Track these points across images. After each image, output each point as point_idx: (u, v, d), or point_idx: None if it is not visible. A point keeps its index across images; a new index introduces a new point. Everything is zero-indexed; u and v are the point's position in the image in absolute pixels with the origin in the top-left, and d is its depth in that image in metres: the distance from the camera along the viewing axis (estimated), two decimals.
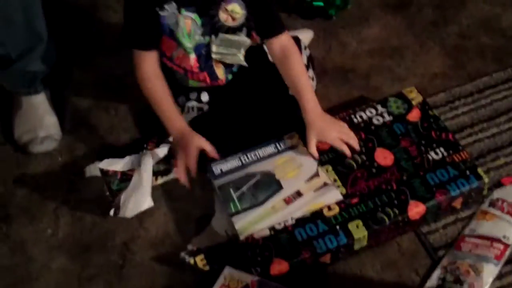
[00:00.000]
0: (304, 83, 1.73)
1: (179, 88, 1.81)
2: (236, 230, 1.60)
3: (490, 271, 1.54)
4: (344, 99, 1.98)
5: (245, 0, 1.68)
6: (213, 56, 1.74)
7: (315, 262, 1.57)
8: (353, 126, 1.79)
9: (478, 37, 2.13)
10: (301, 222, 1.61)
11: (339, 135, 1.71)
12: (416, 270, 1.59)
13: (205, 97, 1.82)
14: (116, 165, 1.75)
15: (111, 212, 1.70)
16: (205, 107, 1.83)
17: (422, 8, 2.24)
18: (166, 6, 1.64)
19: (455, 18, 2.20)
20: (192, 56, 1.73)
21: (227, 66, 1.80)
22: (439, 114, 1.86)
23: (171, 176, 1.79)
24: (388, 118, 1.81)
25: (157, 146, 1.78)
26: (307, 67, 1.88)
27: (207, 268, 1.57)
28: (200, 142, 1.69)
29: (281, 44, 1.74)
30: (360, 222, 1.59)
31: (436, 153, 1.72)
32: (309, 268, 1.57)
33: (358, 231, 1.58)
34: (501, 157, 1.80)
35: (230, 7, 1.67)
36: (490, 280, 1.53)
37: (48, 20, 1.88)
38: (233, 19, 1.68)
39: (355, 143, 1.72)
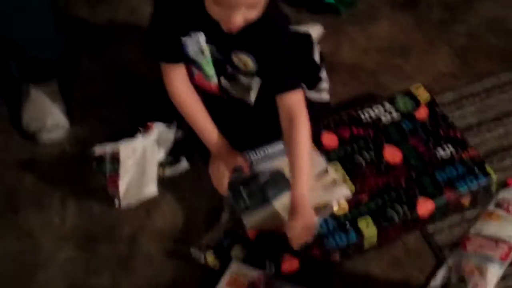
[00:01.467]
0: (302, 164, 1.59)
1: None
2: (246, 228, 1.61)
3: (494, 272, 1.55)
4: (352, 95, 1.98)
5: (255, 56, 1.63)
6: (223, 85, 1.74)
7: (326, 259, 1.58)
8: (361, 124, 1.80)
9: (486, 38, 2.13)
10: None
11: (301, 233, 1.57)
12: (421, 269, 1.60)
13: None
14: (107, 148, 1.76)
15: (116, 203, 1.71)
16: None
17: (431, 7, 2.24)
18: (193, 34, 1.62)
19: (463, 18, 2.20)
20: (214, 81, 1.73)
21: None
22: (446, 113, 1.87)
23: (179, 168, 1.81)
24: (395, 115, 1.82)
25: None
26: (320, 65, 1.88)
27: (217, 265, 1.58)
28: (237, 160, 1.69)
29: (288, 105, 1.62)
30: (370, 220, 1.61)
31: (444, 150, 1.73)
32: (318, 266, 1.58)
33: (368, 229, 1.59)
34: (507, 157, 1.81)
35: (242, 57, 1.65)
36: (495, 280, 1.54)
37: (57, 10, 1.88)
38: (245, 65, 1.67)
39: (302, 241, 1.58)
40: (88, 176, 1.79)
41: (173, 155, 1.81)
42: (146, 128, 1.79)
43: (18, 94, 1.96)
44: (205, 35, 1.62)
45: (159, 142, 1.80)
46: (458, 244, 1.63)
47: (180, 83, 1.70)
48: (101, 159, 1.75)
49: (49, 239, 1.70)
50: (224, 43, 1.63)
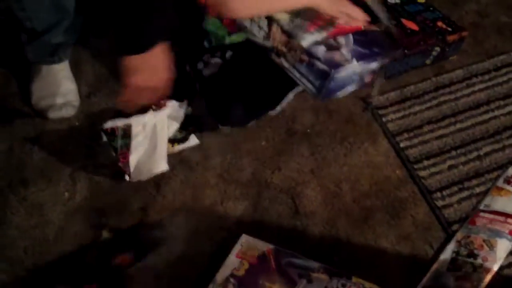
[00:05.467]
0: None
1: (204, 48, 1.81)
2: None
3: (503, 246, 1.55)
4: None
5: None
6: None
7: None
8: None
9: (497, 15, 2.13)
10: None
11: None
12: (430, 243, 1.61)
13: (228, 54, 1.81)
14: (118, 123, 1.75)
15: (126, 177, 1.71)
16: None
17: None
18: None
19: None
20: None
21: None
22: (456, 90, 1.88)
23: (188, 143, 1.81)
24: None
25: None
26: None
27: None
28: None
29: None
30: None
31: None
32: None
33: None
34: None
35: None
36: (504, 255, 1.55)
37: None
38: None
39: None
40: (98, 151, 1.80)
41: (184, 131, 1.82)
42: (158, 105, 1.79)
43: (28, 71, 1.96)
44: None
45: (170, 119, 1.79)
46: (467, 218, 1.63)
47: None
48: (112, 133, 1.75)
49: (59, 213, 1.71)
50: None
